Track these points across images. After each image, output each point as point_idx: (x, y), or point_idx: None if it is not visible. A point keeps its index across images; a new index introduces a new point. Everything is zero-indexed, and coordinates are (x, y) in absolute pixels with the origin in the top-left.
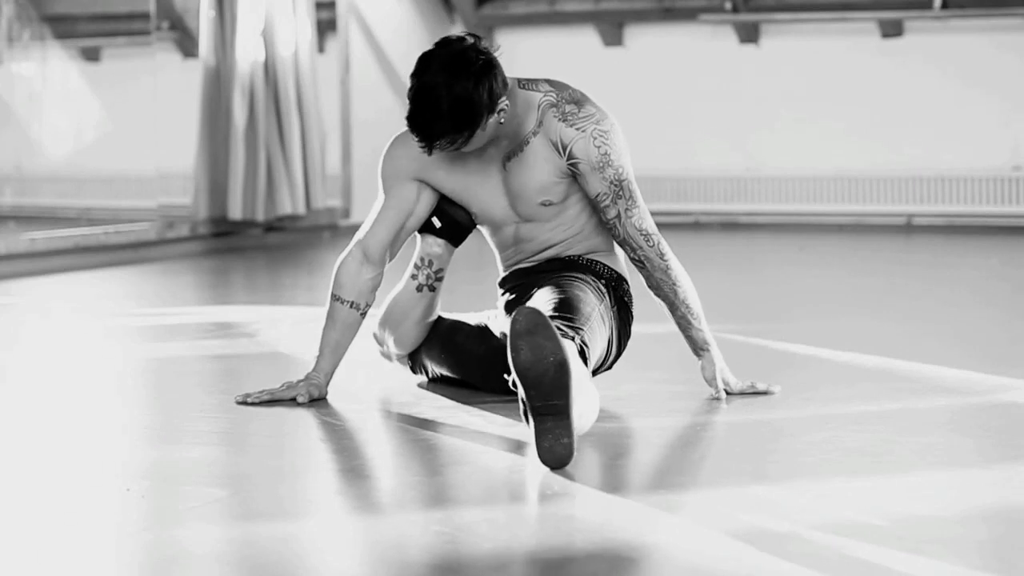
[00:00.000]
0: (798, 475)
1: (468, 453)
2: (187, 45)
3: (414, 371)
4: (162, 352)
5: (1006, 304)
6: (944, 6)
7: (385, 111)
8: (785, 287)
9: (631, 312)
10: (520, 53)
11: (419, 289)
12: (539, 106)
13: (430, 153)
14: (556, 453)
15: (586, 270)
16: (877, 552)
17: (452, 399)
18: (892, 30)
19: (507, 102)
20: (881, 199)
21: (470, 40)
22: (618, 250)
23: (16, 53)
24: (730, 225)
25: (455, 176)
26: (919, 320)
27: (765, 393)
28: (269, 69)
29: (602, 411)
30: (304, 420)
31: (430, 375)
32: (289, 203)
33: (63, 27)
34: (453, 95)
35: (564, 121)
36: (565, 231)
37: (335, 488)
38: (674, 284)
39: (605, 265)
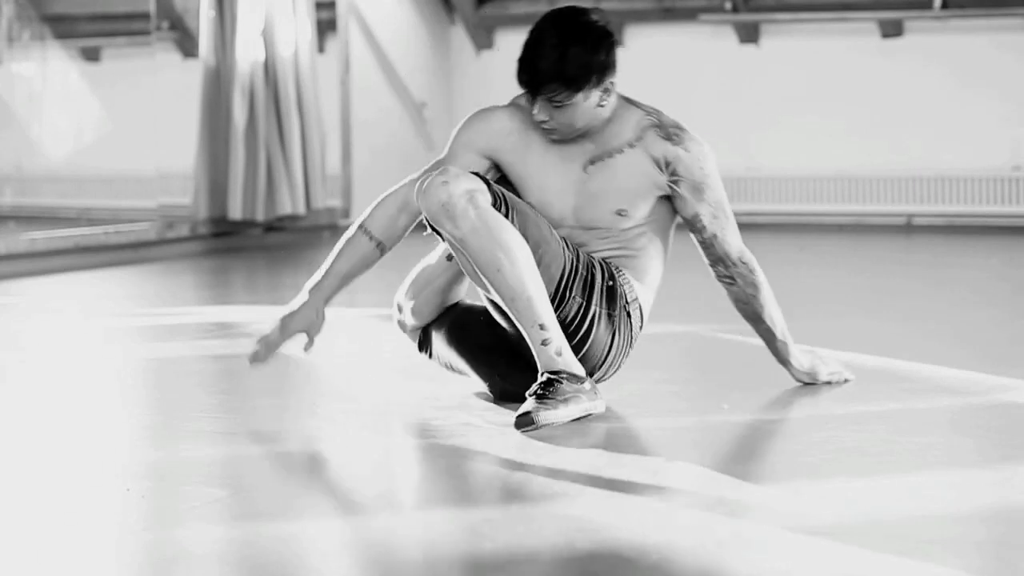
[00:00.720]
0: (798, 475)
1: (468, 453)
2: (187, 45)
3: (421, 349)
4: (162, 352)
5: (1006, 304)
6: (944, 6)
7: (385, 111)
8: (785, 287)
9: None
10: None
11: (448, 258)
12: (639, 123)
13: (532, 102)
14: (525, 420)
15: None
16: (877, 552)
17: (452, 399)
18: (892, 30)
19: (611, 93)
20: (881, 199)
21: (596, 15)
22: (645, 276)
23: (16, 53)
24: None
25: (528, 162)
26: (919, 320)
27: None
28: (269, 69)
29: (602, 412)
30: (304, 420)
31: (433, 355)
32: (289, 203)
33: (63, 27)
34: (568, 46)
35: (669, 140)
36: (614, 248)
37: (335, 488)
38: (762, 302)
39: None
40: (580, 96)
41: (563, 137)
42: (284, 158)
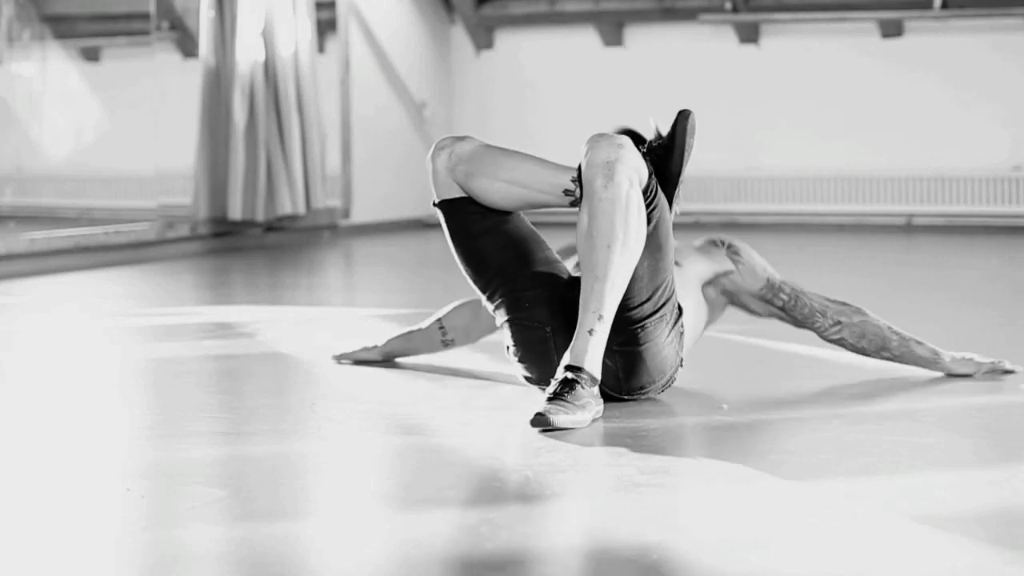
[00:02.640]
0: (798, 475)
1: (468, 453)
2: (187, 45)
3: (439, 205)
4: (162, 352)
5: (1006, 304)
6: (944, 6)
7: (385, 111)
8: None
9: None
10: (520, 53)
11: (567, 194)
12: None
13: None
14: (541, 419)
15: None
16: (877, 552)
17: (452, 399)
18: (892, 30)
19: None
20: (881, 199)
21: None
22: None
23: (16, 53)
24: (730, 225)
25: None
26: (919, 320)
27: (1009, 372)
28: (269, 69)
29: (603, 412)
30: (304, 420)
31: (446, 219)
32: (289, 203)
33: (63, 27)
34: None
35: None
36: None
37: (335, 488)
38: (874, 319)
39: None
40: None
41: None
42: (284, 158)
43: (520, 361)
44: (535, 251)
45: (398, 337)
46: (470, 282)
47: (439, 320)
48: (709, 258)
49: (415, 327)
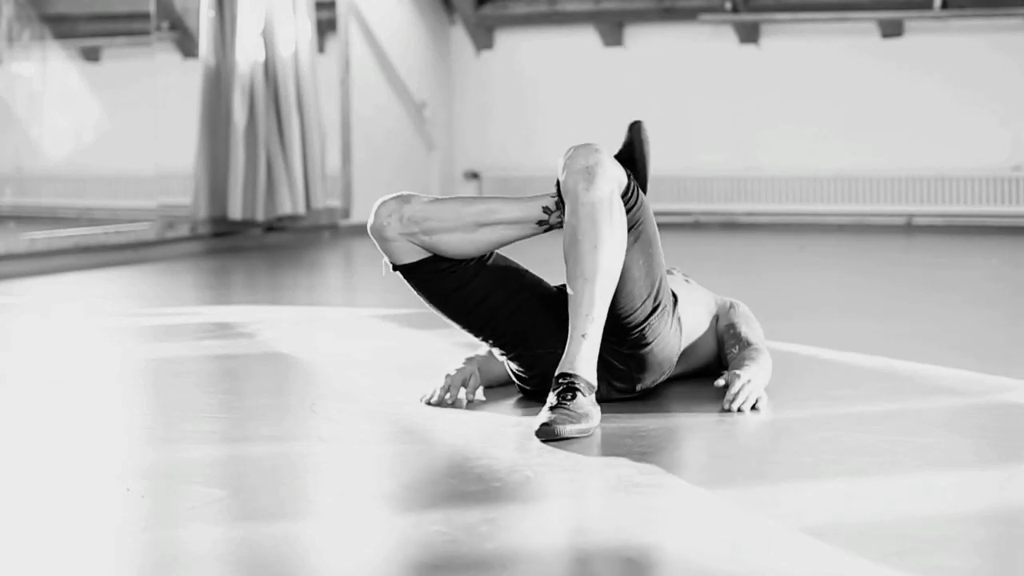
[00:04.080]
0: (798, 475)
1: (468, 453)
2: (187, 45)
3: (402, 270)
4: (162, 352)
5: (1006, 305)
6: (944, 6)
7: (385, 111)
8: (785, 287)
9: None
10: (520, 53)
11: (540, 223)
12: None
13: None
14: (548, 430)
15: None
16: (877, 552)
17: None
18: (892, 30)
19: None
20: (881, 199)
21: None
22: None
23: (16, 53)
24: (730, 225)
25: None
26: (919, 320)
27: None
28: (269, 69)
29: (602, 412)
30: (304, 420)
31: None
32: (289, 203)
33: (63, 27)
34: None
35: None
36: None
37: (335, 488)
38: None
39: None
40: None
41: None
42: (284, 158)
43: (541, 386)
44: (516, 281)
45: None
46: (459, 329)
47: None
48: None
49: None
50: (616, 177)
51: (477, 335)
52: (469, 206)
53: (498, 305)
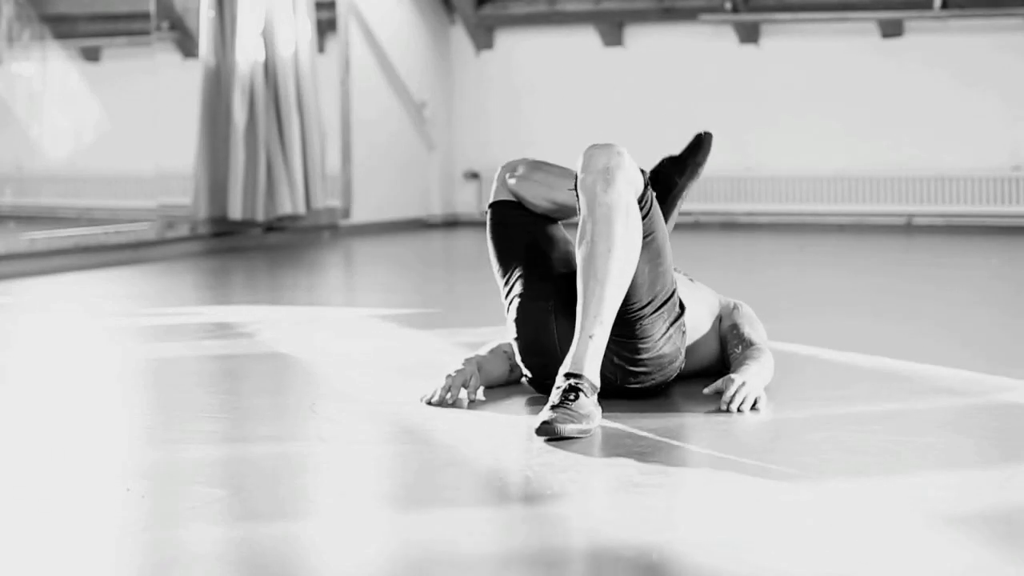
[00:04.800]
0: (798, 475)
1: (467, 453)
2: (187, 45)
3: (490, 206)
4: (162, 352)
5: (1006, 304)
6: (944, 6)
7: (385, 111)
8: (785, 287)
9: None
10: (520, 53)
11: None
12: None
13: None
14: (548, 428)
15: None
16: (876, 552)
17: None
18: (892, 30)
19: None
20: (881, 199)
21: None
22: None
23: (16, 53)
24: (730, 225)
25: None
26: (919, 320)
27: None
28: (269, 69)
29: (602, 412)
30: (304, 420)
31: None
32: (289, 203)
33: (63, 27)
34: None
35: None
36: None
37: (335, 488)
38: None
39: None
40: None
41: None
42: (284, 158)
43: (517, 339)
44: (557, 251)
45: (488, 357)
46: (494, 271)
47: (508, 354)
48: (720, 303)
49: (497, 351)
50: (634, 181)
51: (503, 275)
52: (545, 166)
53: (530, 251)
